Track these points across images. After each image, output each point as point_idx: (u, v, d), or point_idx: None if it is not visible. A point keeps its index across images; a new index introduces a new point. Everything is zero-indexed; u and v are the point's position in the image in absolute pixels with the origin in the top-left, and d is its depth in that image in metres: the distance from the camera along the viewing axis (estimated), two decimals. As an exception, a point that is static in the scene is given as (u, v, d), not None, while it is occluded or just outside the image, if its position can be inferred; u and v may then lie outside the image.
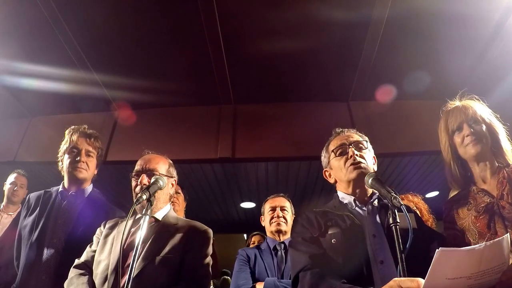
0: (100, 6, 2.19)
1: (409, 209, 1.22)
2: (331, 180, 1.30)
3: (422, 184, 3.76)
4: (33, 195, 1.67)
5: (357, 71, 2.67)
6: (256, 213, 3.92)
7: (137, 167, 1.39)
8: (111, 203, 1.73)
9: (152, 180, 1.24)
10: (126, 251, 1.20)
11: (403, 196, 1.98)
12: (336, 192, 1.27)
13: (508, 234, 0.75)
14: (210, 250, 1.34)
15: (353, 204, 1.17)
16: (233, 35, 2.38)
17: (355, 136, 1.27)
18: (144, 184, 1.31)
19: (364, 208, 1.16)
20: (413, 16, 2.20)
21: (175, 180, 1.47)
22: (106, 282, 1.16)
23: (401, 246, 0.85)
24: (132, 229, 1.30)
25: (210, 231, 1.39)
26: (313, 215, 1.18)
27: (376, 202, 1.16)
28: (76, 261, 1.32)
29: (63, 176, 1.66)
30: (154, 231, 1.30)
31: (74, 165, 1.60)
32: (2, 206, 2.56)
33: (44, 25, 2.26)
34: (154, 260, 1.20)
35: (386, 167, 3.29)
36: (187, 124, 3.03)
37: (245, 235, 5.95)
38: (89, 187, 1.69)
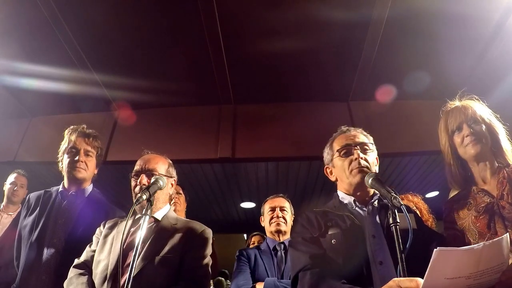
0: (100, 6, 2.20)
1: (409, 209, 1.22)
2: (332, 178, 1.29)
3: (422, 184, 3.76)
4: (33, 195, 1.67)
5: (357, 71, 2.67)
6: (256, 213, 3.92)
7: (137, 167, 1.39)
8: (111, 203, 1.73)
9: (152, 180, 1.24)
10: (125, 251, 1.20)
11: (403, 196, 1.98)
12: (336, 191, 1.27)
13: (508, 234, 0.75)
14: (209, 250, 1.34)
15: (353, 204, 1.17)
16: (233, 35, 2.39)
17: (361, 136, 1.25)
18: (144, 185, 1.31)
19: (364, 208, 1.15)
20: (413, 16, 2.20)
21: (174, 180, 1.47)
22: (106, 282, 1.16)
23: (401, 246, 0.85)
24: (132, 229, 1.30)
25: (210, 231, 1.39)
26: (313, 215, 1.18)
27: (376, 202, 1.16)
28: (76, 261, 1.33)
29: (63, 176, 1.66)
30: (154, 231, 1.30)
31: (73, 165, 1.60)
32: (2, 206, 2.56)
33: (44, 25, 2.26)
34: (154, 260, 1.20)
35: (386, 167, 3.29)
36: (187, 124, 3.03)
37: (245, 235, 5.94)
38: (89, 187, 1.69)
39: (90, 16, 2.27)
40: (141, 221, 1.11)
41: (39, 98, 2.96)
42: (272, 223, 2.00)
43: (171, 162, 1.49)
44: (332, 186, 1.32)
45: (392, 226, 0.91)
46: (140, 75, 2.75)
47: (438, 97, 1.44)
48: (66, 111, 3.17)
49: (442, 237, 1.21)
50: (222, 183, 3.83)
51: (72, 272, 1.27)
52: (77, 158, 1.60)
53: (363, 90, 2.83)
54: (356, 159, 1.16)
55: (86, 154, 1.64)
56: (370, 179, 1.07)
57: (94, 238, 1.38)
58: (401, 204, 0.91)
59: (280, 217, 2.00)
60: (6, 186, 2.59)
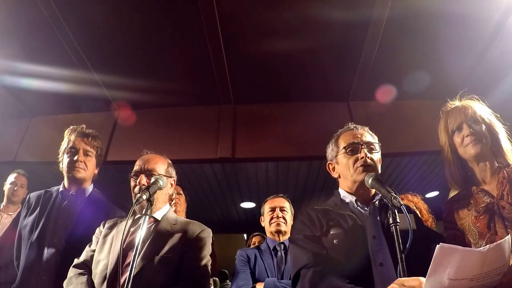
0: (100, 6, 2.20)
1: (409, 209, 1.21)
2: (334, 175, 1.27)
3: (422, 184, 3.76)
4: (33, 195, 1.67)
5: (357, 71, 2.67)
6: (256, 213, 3.91)
7: (136, 167, 1.39)
8: (111, 203, 1.73)
9: (152, 180, 1.24)
10: (125, 250, 1.20)
11: (403, 196, 1.98)
12: (338, 189, 1.26)
13: (509, 235, 0.75)
14: (209, 249, 1.34)
15: (355, 204, 1.17)
16: (233, 35, 2.39)
17: (368, 135, 1.23)
18: (143, 185, 1.31)
19: (366, 208, 1.15)
20: (413, 16, 2.20)
21: (174, 180, 1.47)
22: (105, 282, 1.16)
23: (401, 247, 0.85)
24: (131, 229, 1.30)
25: (209, 230, 1.39)
26: (314, 213, 1.17)
27: (377, 202, 1.15)
28: (76, 261, 1.33)
29: (64, 176, 1.66)
30: (153, 231, 1.30)
31: (72, 165, 1.60)
32: (2, 206, 2.56)
33: (44, 25, 2.26)
34: (153, 259, 1.20)
35: (386, 167, 3.29)
36: (187, 124, 3.03)
37: (245, 235, 5.94)
38: (89, 187, 1.69)
39: (90, 16, 2.27)
40: (141, 221, 1.10)
41: (39, 98, 2.96)
42: (272, 223, 2.00)
43: (170, 162, 1.49)
44: (332, 186, 1.31)
45: (392, 226, 0.91)
46: (140, 75, 2.75)
47: (438, 97, 1.44)
48: (66, 111, 3.17)
49: (442, 237, 1.20)
50: (222, 183, 3.82)
51: (72, 271, 1.27)
52: (76, 158, 1.60)
53: (363, 90, 2.83)
54: (362, 157, 1.15)
55: (85, 154, 1.64)
56: (370, 179, 1.06)
57: (94, 238, 1.39)
58: (401, 204, 0.91)
59: (280, 217, 2.00)
60: (6, 186, 2.59)
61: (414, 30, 2.31)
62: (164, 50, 2.54)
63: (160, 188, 1.24)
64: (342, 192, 1.22)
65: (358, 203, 1.16)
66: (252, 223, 4.80)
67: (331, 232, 1.08)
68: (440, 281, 0.70)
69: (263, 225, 2.12)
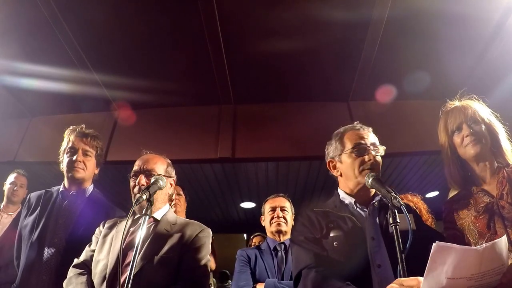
0: (100, 6, 2.20)
1: (409, 208, 1.21)
2: (335, 173, 1.25)
3: (422, 184, 3.76)
4: (33, 195, 1.67)
5: (357, 71, 2.67)
6: (256, 213, 3.92)
7: (135, 167, 1.39)
8: (111, 203, 1.73)
9: (152, 180, 1.24)
10: (125, 250, 1.20)
11: (402, 196, 1.97)
12: (337, 189, 1.25)
13: (505, 235, 0.75)
14: (209, 249, 1.34)
15: (354, 205, 1.16)
16: (233, 35, 2.39)
17: (372, 136, 1.22)
18: (142, 185, 1.31)
19: (365, 209, 1.15)
20: (413, 16, 2.20)
21: (173, 180, 1.47)
22: (105, 282, 1.16)
23: (401, 247, 0.85)
24: (131, 229, 1.30)
25: (209, 230, 1.39)
26: (314, 215, 1.17)
27: (377, 203, 1.15)
28: (75, 261, 1.33)
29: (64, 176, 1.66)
30: (153, 231, 1.30)
31: (71, 165, 1.60)
32: (2, 206, 2.56)
33: (44, 25, 2.26)
34: (153, 259, 1.20)
35: (386, 167, 3.29)
36: (187, 124, 3.03)
37: (245, 235, 5.95)
38: (90, 187, 1.69)
39: (90, 16, 2.27)
40: (141, 221, 1.11)
41: (39, 98, 2.96)
42: (272, 223, 2.00)
43: (170, 162, 1.49)
44: (332, 186, 1.31)
45: (392, 226, 0.91)
46: (140, 75, 2.75)
47: (438, 97, 1.44)
48: (66, 111, 3.17)
49: (441, 236, 1.20)
50: (222, 183, 3.83)
51: (72, 271, 1.27)
52: (75, 158, 1.60)
53: (363, 90, 2.83)
54: (369, 160, 1.15)
55: (85, 154, 1.64)
56: (370, 179, 1.06)
57: (94, 238, 1.39)
58: (401, 204, 0.91)
59: (281, 217, 2.00)
60: (6, 186, 2.59)
61: (414, 30, 2.31)
62: (164, 50, 2.54)
63: (160, 188, 1.24)
64: (342, 193, 1.22)
65: (357, 205, 1.16)
66: (252, 223, 4.81)
67: (331, 235, 1.08)
68: (438, 280, 0.70)
69: (263, 225, 2.12)
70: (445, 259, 0.70)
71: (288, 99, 3.01)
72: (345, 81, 2.80)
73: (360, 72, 2.66)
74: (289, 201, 2.12)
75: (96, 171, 1.72)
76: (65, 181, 1.65)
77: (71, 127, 1.69)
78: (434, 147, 1.49)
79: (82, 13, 2.25)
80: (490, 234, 1.07)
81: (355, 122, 1.28)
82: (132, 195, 1.35)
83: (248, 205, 4.63)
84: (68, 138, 1.65)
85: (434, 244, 0.69)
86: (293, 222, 2.02)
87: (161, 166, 1.41)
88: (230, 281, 4.41)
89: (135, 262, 1.00)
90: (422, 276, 0.73)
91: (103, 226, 1.39)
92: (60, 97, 2.94)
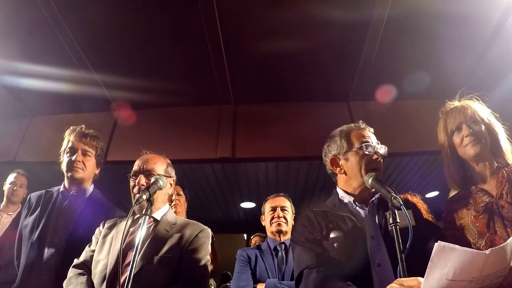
0: (100, 6, 2.19)
1: (408, 204, 1.20)
2: (338, 171, 1.22)
3: (422, 184, 3.76)
4: (34, 195, 1.67)
5: (357, 71, 2.67)
6: (256, 213, 3.92)
7: (135, 167, 1.39)
8: (111, 203, 1.73)
9: (152, 180, 1.24)
10: (124, 250, 1.20)
11: (402, 196, 1.97)
12: (336, 188, 1.25)
13: (511, 238, 0.73)
14: (208, 249, 1.34)
15: (353, 204, 1.16)
16: (233, 35, 2.38)
17: (374, 136, 1.22)
18: (142, 185, 1.31)
19: (364, 207, 1.14)
20: (413, 16, 2.19)
21: (173, 180, 1.47)
22: (105, 282, 1.16)
23: (401, 246, 0.85)
24: (131, 229, 1.30)
25: (209, 230, 1.39)
26: (313, 216, 1.16)
27: (376, 200, 1.15)
28: (75, 261, 1.33)
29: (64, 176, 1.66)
30: (153, 231, 1.30)
31: (70, 165, 1.60)
32: (2, 206, 2.56)
33: (44, 25, 2.26)
34: (153, 259, 1.20)
35: (386, 167, 3.29)
36: (187, 124, 3.03)
37: (245, 235, 5.94)
38: (90, 187, 1.69)
39: (90, 16, 2.26)
40: (141, 221, 1.11)
41: (39, 98, 2.96)
42: (273, 223, 2.00)
43: (170, 162, 1.49)
44: (332, 186, 1.30)
45: (392, 226, 0.91)
46: (140, 75, 2.75)
47: (438, 97, 1.44)
48: (66, 111, 3.17)
49: (440, 230, 1.19)
50: (222, 183, 3.83)
51: (71, 272, 1.28)
52: (74, 158, 1.60)
53: (363, 90, 2.83)
54: (377, 158, 1.15)
55: (84, 154, 1.64)
56: (370, 179, 1.06)
57: (94, 238, 1.39)
58: (401, 204, 0.90)
59: (281, 217, 1.99)
60: (6, 186, 2.59)
61: (414, 30, 2.31)
62: (164, 50, 2.53)
63: (160, 188, 1.24)
64: (341, 192, 1.21)
65: (357, 203, 1.16)
66: (252, 223, 4.81)
67: (331, 236, 1.07)
68: (439, 281, 0.69)
69: (263, 224, 2.12)
70: (446, 260, 0.68)
71: (288, 99, 3.01)
72: (345, 81, 2.80)
73: (360, 72, 2.66)
74: (289, 200, 2.12)
75: (97, 171, 1.72)
76: (65, 181, 1.65)
77: (71, 127, 1.69)
78: (434, 147, 1.48)
79: (82, 13, 2.24)
80: (489, 233, 1.08)
81: (360, 121, 1.28)
82: (132, 195, 1.35)
83: (248, 205, 4.63)
84: (68, 138, 1.66)
85: (436, 244, 0.68)
86: (293, 222, 2.02)
87: (161, 166, 1.41)
88: (231, 281, 4.40)
89: (135, 262, 1.00)
90: (422, 274, 0.73)
91: (103, 226, 1.39)
92: (60, 97, 2.94)
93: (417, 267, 0.77)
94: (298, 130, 2.89)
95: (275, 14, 2.23)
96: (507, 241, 0.73)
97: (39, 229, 1.50)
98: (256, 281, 1.83)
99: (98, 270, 1.22)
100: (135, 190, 1.33)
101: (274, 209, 2.03)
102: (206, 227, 1.40)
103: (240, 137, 2.92)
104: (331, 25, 2.29)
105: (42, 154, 2.95)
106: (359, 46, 2.44)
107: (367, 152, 1.14)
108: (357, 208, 1.15)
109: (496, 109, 1.27)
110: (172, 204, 2.12)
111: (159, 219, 1.34)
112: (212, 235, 1.43)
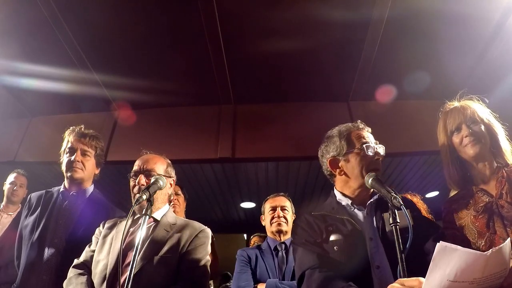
0: (100, 6, 2.19)
1: (407, 202, 1.19)
2: (338, 172, 1.21)
3: (422, 184, 3.76)
4: (34, 195, 1.67)
5: (357, 71, 2.66)
6: (256, 213, 3.92)
7: (135, 167, 1.39)
8: (111, 203, 1.73)
9: (152, 180, 1.24)
10: (124, 250, 1.20)
11: (401, 195, 1.97)
12: (333, 190, 1.25)
13: (509, 238, 0.74)
14: (208, 249, 1.34)
15: (351, 206, 1.16)
16: (233, 35, 2.38)
17: (371, 136, 1.21)
18: (142, 185, 1.31)
19: (363, 209, 1.14)
20: (413, 16, 2.19)
21: (173, 180, 1.47)
22: (105, 282, 1.16)
23: (401, 247, 0.85)
24: (131, 229, 1.30)
25: (209, 230, 1.39)
26: (312, 219, 1.16)
27: (374, 201, 1.15)
28: (75, 261, 1.33)
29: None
30: (153, 231, 1.30)
31: (70, 165, 1.60)
32: (2, 206, 2.56)
33: (44, 25, 2.26)
34: (153, 259, 1.20)
35: (386, 167, 3.29)
36: (187, 124, 3.03)
37: (245, 235, 5.95)
38: (90, 188, 1.69)
39: (90, 16, 2.27)
40: (141, 221, 1.11)
41: (39, 98, 2.96)
42: (273, 223, 1.99)
43: (170, 162, 1.49)
44: (332, 186, 1.30)
45: (392, 226, 0.91)
46: (140, 75, 2.75)
47: (438, 97, 1.44)
48: (66, 111, 3.17)
49: (440, 228, 1.19)
50: (222, 183, 3.83)
51: (72, 272, 1.28)
52: (73, 158, 1.60)
53: (363, 90, 2.83)
54: (377, 159, 1.14)
55: (83, 154, 1.64)
56: (370, 179, 1.06)
57: (94, 238, 1.39)
58: (401, 204, 0.90)
59: (281, 216, 1.99)
60: (6, 186, 2.59)
61: (414, 30, 2.31)
62: (164, 50, 2.53)
63: (160, 188, 1.24)
64: (338, 195, 1.20)
65: (355, 205, 1.16)
66: (252, 223, 4.81)
67: (331, 239, 1.07)
68: (440, 282, 0.69)
69: (263, 224, 2.12)
70: (448, 260, 0.68)
71: (288, 99, 3.01)
72: (345, 81, 2.80)
73: (360, 72, 2.66)
74: (289, 200, 2.12)
75: (97, 171, 1.72)
76: (65, 182, 1.65)
77: (70, 128, 1.69)
78: (434, 147, 1.48)
79: (82, 13, 2.24)
80: (489, 233, 1.08)
81: (358, 121, 1.27)
82: (132, 195, 1.35)
83: (248, 205, 4.63)
84: (67, 138, 1.66)
85: (438, 244, 0.68)
86: (293, 223, 2.02)
87: (161, 166, 1.41)
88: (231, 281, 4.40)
89: (135, 262, 1.00)
90: (422, 274, 0.73)
91: (103, 227, 1.39)
92: (60, 97, 2.94)
93: (417, 267, 0.77)
94: (298, 130, 2.89)
95: (275, 14, 2.23)
96: (506, 241, 0.73)
97: (39, 229, 1.50)
98: (257, 281, 1.83)
99: (98, 270, 1.22)
100: (135, 190, 1.33)
101: (274, 209, 2.03)
102: (206, 227, 1.40)
103: (240, 137, 2.92)
104: (331, 25, 2.29)
105: (42, 154, 2.95)
106: (359, 46, 2.44)
107: (368, 153, 1.14)
108: (355, 210, 1.15)
109: (496, 109, 1.27)
110: (171, 203, 2.12)
111: (159, 219, 1.34)
112: (212, 235, 1.43)
